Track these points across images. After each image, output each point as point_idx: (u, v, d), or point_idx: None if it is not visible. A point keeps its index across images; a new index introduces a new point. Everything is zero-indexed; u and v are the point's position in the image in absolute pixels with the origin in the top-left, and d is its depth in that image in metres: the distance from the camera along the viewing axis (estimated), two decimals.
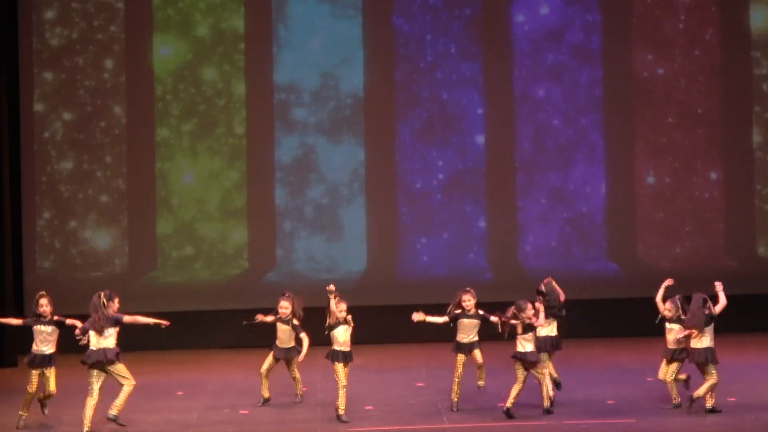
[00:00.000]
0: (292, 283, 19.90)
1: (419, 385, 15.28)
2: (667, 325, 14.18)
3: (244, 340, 19.11)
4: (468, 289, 14.59)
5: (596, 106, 20.42)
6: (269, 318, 14.80)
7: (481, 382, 14.48)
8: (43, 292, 14.00)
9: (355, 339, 13.73)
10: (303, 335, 14.50)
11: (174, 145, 20.11)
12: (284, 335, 14.74)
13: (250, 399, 15.13)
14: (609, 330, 19.93)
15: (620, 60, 20.41)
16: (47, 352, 13.72)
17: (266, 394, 14.83)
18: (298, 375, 14.90)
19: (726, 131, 20.53)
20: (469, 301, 14.43)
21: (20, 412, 13.81)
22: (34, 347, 13.77)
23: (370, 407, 14.32)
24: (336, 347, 13.76)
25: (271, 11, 20.11)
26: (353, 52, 20.14)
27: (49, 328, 13.73)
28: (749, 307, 20.21)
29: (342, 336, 13.76)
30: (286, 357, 14.78)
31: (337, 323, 13.76)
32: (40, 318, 13.74)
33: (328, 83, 20.18)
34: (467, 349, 14.38)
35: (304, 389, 15.12)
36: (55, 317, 13.77)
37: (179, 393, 15.89)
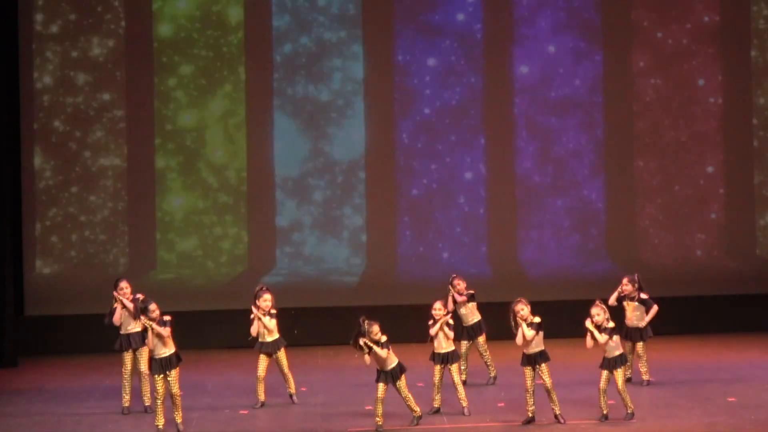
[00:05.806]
0: (291, 282, 19.92)
1: (419, 385, 15.25)
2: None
3: (245, 341, 19.09)
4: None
5: (597, 106, 20.41)
6: (252, 315, 14.83)
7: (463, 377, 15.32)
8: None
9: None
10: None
11: (174, 146, 20.09)
12: (267, 328, 14.74)
13: (250, 399, 15.12)
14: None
15: (618, 61, 20.46)
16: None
17: (263, 398, 14.77)
18: (287, 370, 14.79)
19: (726, 131, 20.52)
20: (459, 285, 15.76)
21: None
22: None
23: (370, 407, 14.32)
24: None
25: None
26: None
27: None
28: (749, 307, 20.20)
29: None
30: (276, 349, 14.74)
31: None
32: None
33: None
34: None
35: (303, 389, 15.07)
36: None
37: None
